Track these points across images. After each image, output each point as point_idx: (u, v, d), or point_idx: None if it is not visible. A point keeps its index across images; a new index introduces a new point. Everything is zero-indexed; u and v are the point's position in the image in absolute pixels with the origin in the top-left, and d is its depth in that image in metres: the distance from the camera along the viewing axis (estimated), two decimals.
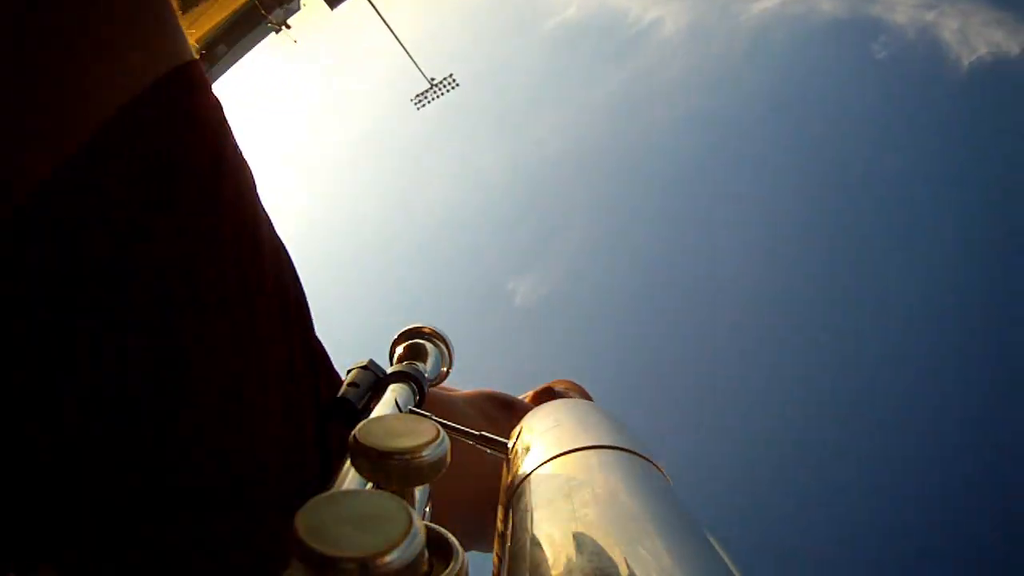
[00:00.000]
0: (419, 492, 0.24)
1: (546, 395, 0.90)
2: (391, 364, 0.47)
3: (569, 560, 0.18)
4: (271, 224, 0.39)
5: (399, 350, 0.49)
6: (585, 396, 1.00)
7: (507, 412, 0.69)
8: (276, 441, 0.36)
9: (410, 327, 0.50)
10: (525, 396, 0.92)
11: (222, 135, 0.37)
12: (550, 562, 0.18)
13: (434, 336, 0.49)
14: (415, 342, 0.49)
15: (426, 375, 0.43)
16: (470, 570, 0.20)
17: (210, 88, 0.37)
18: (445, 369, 0.50)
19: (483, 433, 0.34)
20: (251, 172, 0.39)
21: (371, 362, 0.41)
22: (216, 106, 0.37)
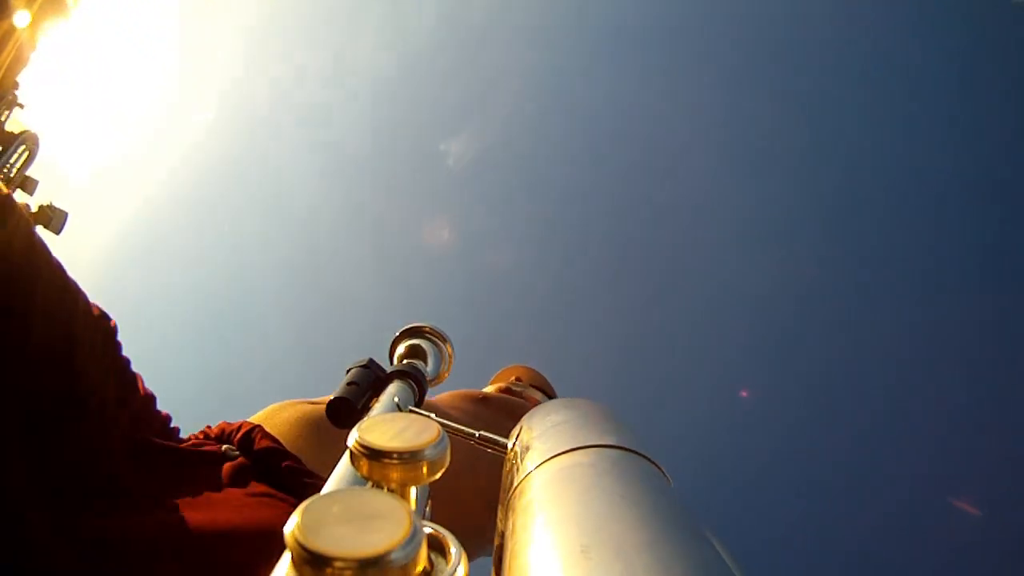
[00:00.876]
0: (419, 491, 0.24)
1: (506, 394, 0.91)
2: (391, 363, 0.47)
3: (569, 561, 0.18)
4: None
5: (399, 349, 0.49)
6: (542, 383, 1.00)
7: (483, 405, 0.74)
8: None
9: (410, 326, 0.50)
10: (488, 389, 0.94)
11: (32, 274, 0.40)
12: (550, 562, 0.18)
13: (434, 336, 0.49)
14: (415, 342, 0.49)
15: (426, 375, 0.43)
16: (470, 570, 0.20)
17: (19, 212, 0.39)
18: (445, 368, 0.50)
19: (482, 433, 0.33)
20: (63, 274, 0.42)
21: (371, 361, 0.41)
22: (27, 233, 0.39)
